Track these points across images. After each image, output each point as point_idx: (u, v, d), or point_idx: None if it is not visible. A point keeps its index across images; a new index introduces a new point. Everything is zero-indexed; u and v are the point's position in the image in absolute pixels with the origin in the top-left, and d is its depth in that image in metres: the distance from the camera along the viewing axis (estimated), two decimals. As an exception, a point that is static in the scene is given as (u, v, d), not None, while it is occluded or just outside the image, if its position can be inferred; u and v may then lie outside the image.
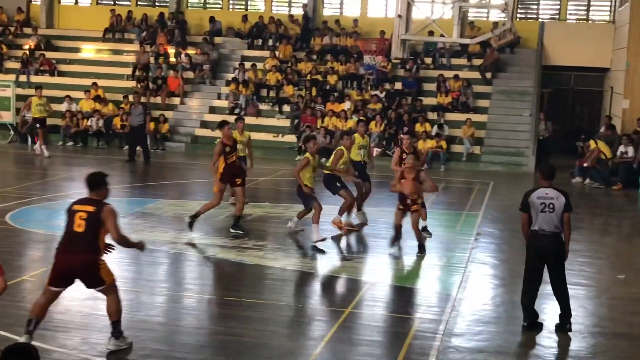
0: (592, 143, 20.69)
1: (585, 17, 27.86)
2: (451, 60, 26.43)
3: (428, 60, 26.60)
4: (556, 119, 25.17)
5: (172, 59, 27.44)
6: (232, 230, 12.40)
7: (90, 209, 7.02)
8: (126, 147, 22.63)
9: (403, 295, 9.88)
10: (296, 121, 24.38)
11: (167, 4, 29.98)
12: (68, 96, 25.21)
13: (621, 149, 20.33)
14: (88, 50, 28.97)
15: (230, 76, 26.61)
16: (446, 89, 24.84)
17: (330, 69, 26.02)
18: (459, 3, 20.38)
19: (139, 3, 30.70)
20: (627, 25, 23.27)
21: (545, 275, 8.43)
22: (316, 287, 10.31)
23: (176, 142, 24.56)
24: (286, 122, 24.71)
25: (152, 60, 27.19)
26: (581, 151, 21.78)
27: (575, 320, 8.39)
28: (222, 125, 12.80)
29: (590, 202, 17.35)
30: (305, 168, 11.79)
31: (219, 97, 26.26)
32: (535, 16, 28.15)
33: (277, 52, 27.06)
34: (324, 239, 11.58)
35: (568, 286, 8.43)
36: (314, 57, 27.02)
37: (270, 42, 27.98)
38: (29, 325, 7.04)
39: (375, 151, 21.12)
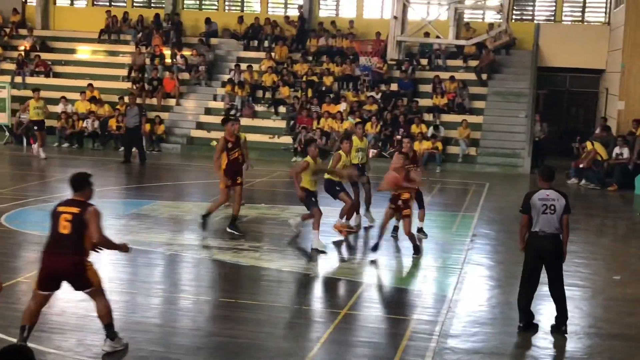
0: (588, 144, 20.74)
1: (580, 18, 27.91)
2: (447, 62, 26.46)
3: (424, 61, 26.63)
4: (552, 120, 25.20)
5: (168, 60, 27.42)
6: (228, 229, 12.41)
7: (75, 210, 6.96)
8: (122, 148, 22.62)
9: (399, 296, 9.89)
10: (292, 122, 24.38)
11: (163, 5, 29.97)
12: (63, 97, 25.18)
13: (616, 150, 20.37)
14: (83, 52, 28.93)
15: (226, 77, 26.60)
16: (442, 90, 24.87)
17: (326, 70, 26.03)
18: (454, 4, 20.40)
19: (134, 4, 30.67)
20: (622, 26, 23.32)
21: (542, 277, 8.43)
22: (312, 288, 10.31)
23: (172, 144, 24.53)
24: (282, 124, 24.71)
25: (147, 61, 27.16)
26: (577, 152, 21.82)
27: (571, 321, 8.40)
28: (225, 121, 12.85)
29: (586, 203, 17.37)
30: (304, 171, 11.71)
31: (214, 99, 26.24)
32: (530, 17, 28.19)
33: (273, 54, 27.06)
34: (324, 248, 11.52)
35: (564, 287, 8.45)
36: (310, 58, 27.02)
37: (266, 44, 27.97)
38: (22, 332, 7.01)
39: (371, 152, 21.12)
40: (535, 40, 26.38)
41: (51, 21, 30.80)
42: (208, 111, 25.81)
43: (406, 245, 12.38)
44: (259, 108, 25.38)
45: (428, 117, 24.12)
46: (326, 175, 12.37)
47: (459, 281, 10.27)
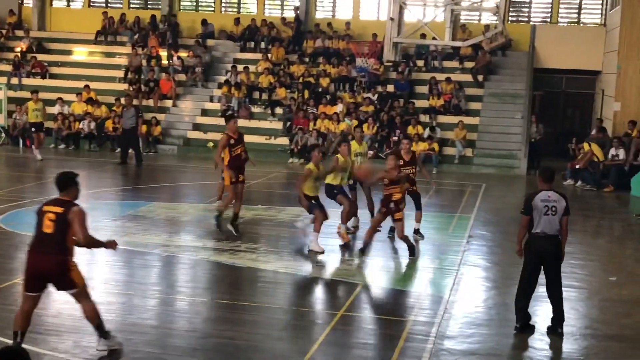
0: (585, 145, 20.77)
1: (576, 20, 27.97)
2: (443, 63, 26.49)
3: (420, 62, 26.66)
4: (548, 121, 25.24)
5: (165, 62, 27.41)
6: (229, 226, 12.45)
7: (59, 209, 6.94)
8: (118, 149, 22.60)
9: (395, 297, 9.89)
10: (288, 124, 24.38)
11: (160, 7, 29.96)
12: (60, 98, 25.13)
13: (612, 151, 20.42)
14: (80, 53, 28.91)
15: (222, 79, 26.60)
16: (438, 91, 24.89)
17: (322, 71, 26.04)
18: (450, 6, 20.46)
19: (131, 5, 30.66)
20: (618, 28, 23.37)
21: (540, 278, 8.46)
22: (309, 289, 10.31)
23: (168, 145, 24.52)
24: (278, 125, 24.72)
25: (144, 62, 27.16)
26: (573, 153, 21.86)
27: (567, 322, 8.42)
28: (228, 118, 12.88)
29: (582, 204, 17.39)
30: (308, 178, 11.63)
31: (211, 100, 26.24)
32: (526, 19, 28.24)
33: (269, 55, 27.07)
34: (322, 252, 11.51)
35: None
36: (307, 59, 27.04)
37: (263, 45, 27.98)
38: (15, 338, 6.99)
39: (368, 154, 21.11)
40: (531, 41, 26.43)
41: (47, 22, 30.78)
42: (204, 112, 25.81)
43: (402, 246, 12.38)
44: (255, 109, 25.38)
45: (424, 118, 24.14)
46: (327, 180, 12.31)
47: (456, 282, 10.28)
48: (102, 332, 7.19)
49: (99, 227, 12.83)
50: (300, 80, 25.80)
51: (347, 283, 10.25)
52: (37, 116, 21.76)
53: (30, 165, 20.94)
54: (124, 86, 26.41)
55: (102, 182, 18.43)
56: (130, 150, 21.43)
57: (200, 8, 30.51)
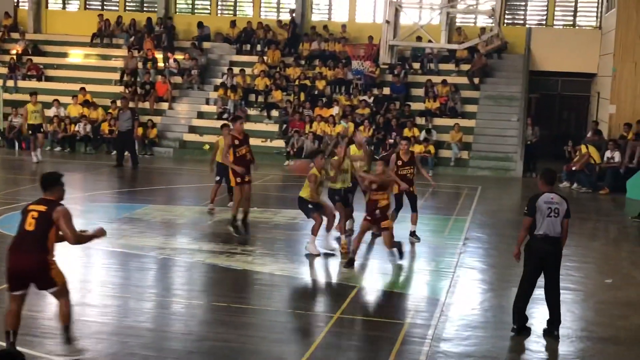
0: (583, 147, 20.81)
1: (572, 22, 28.02)
2: (439, 66, 26.52)
3: (416, 65, 26.68)
4: (543, 124, 25.27)
5: (161, 64, 27.40)
6: (229, 227, 12.61)
7: (42, 208, 6.96)
8: (114, 152, 22.57)
9: (392, 300, 9.89)
10: (284, 126, 24.39)
11: (156, 9, 29.94)
12: (56, 100, 25.05)
13: (607, 154, 20.46)
14: (76, 55, 28.87)
15: (218, 81, 26.59)
16: (434, 94, 24.92)
17: (318, 74, 26.05)
18: (446, 9, 20.47)
19: (127, 8, 30.64)
20: (614, 30, 23.43)
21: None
22: (305, 292, 10.30)
23: (164, 147, 24.50)
24: (274, 127, 24.72)
25: (140, 65, 27.14)
26: (568, 156, 21.89)
27: (563, 324, 8.43)
28: (235, 119, 12.95)
29: (577, 206, 17.41)
30: (313, 183, 11.49)
31: (207, 102, 26.22)
32: (522, 22, 28.29)
33: (265, 57, 27.07)
34: (318, 255, 11.49)
35: (557, 291, 8.49)
36: (303, 62, 27.05)
37: (259, 47, 27.99)
38: (7, 337, 6.99)
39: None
40: (527, 44, 26.49)
41: (43, 25, 30.73)
42: (200, 115, 25.79)
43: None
44: (251, 112, 25.37)
45: (420, 120, 24.16)
46: (329, 184, 12.24)
47: (452, 285, 10.29)
48: (68, 335, 7.14)
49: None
50: (296, 82, 25.81)
51: (344, 285, 10.24)
52: (35, 118, 21.69)
53: (25, 167, 20.90)
54: (119, 89, 26.38)
55: (98, 184, 18.40)
56: (126, 153, 21.41)
57: (196, 11, 30.52)
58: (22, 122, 24.09)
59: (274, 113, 25.14)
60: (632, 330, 8.87)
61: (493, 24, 22.66)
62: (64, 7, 31.37)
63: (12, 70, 27.14)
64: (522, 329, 8.38)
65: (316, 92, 25.56)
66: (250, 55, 27.87)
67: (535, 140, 23.13)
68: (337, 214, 12.02)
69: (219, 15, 30.05)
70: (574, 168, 20.48)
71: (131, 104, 23.77)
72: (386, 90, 25.31)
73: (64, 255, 10.74)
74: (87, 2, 30.91)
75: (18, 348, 7.13)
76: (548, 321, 8.41)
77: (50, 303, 8.54)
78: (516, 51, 26.84)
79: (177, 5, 30.39)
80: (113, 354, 7.44)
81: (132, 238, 12.28)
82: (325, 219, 11.70)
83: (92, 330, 8.10)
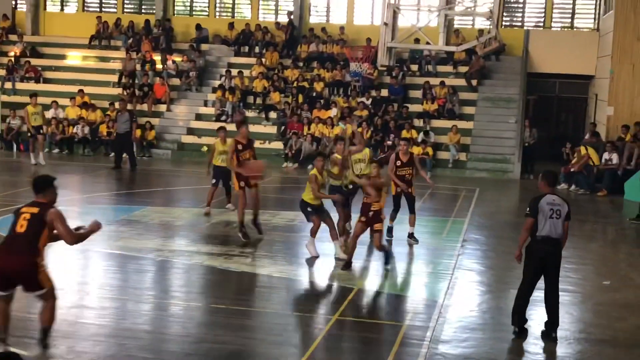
0: (582, 149, 20.83)
1: (569, 24, 28.07)
2: (437, 68, 26.55)
3: (414, 67, 26.71)
4: (541, 126, 25.31)
5: (159, 66, 27.40)
6: (251, 225, 12.67)
7: (34, 210, 6.97)
8: (112, 154, 22.57)
9: (390, 302, 9.89)
10: (283, 128, 24.40)
11: (154, 11, 29.96)
12: (55, 102, 25.00)
13: (605, 155, 20.49)
14: (74, 57, 28.87)
15: (216, 83, 26.61)
16: (432, 96, 24.95)
17: (316, 76, 26.07)
18: (444, 11, 20.50)
19: (125, 10, 30.65)
20: (611, 32, 23.47)
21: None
22: (303, 294, 10.30)
23: (162, 149, 24.50)
24: (273, 129, 24.72)
25: (138, 67, 27.14)
26: (566, 158, 21.91)
27: (561, 326, 8.44)
28: (240, 124, 12.95)
29: (576, 208, 17.33)
30: (313, 184, 11.39)
31: (205, 104, 26.24)
32: (520, 24, 28.33)
33: (263, 59, 27.09)
34: (316, 257, 11.45)
35: (554, 292, 8.49)
36: (301, 64, 27.07)
37: (257, 49, 28.01)
38: None
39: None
40: (524, 46, 26.52)
41: (41, 27, 30.74)
42: (199, 117, 25.80)
43: (398, 250, 12.42)
44: (249, 114, 25.38)
45: (418, 122, 24.18)
46: (332, 182, 12.20)
47: (450, 287, 10.29)
48: (45, 339, 7.09)
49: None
50: (295, 84, 25.82)
51: (342, 287, 10.25)
52: (35, 119, 21.64)
53: (24, 169, 20.88)
54: (118, 91, 26.39)
55: (96, 186, 18.39)
56: (124, 155, 21.41)
57: (194, 13, 30.53)
58: (19, 124, 24.14)
59: (272, 115, 25.15)
60: (630, 332, 8.87)
61: (491, 26, 22.68)
62: (62, 9, 31.37)
63: (10, 72, 27.14)
64: (521, 331, 8.38)
65: (314, 94, 25.58)
66: (248, 57, 27.89)
67: (533, 142, 23.16)
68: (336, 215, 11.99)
69: (217, 17, 30.07)
70: (572, 170, 20.50)
71: (129, 106, 23.76)
72: (384, 92, 25.34)
73: (62, 257, 10.78)
74: (85, 4, 30.91)
75: (16, 350, 7.14)
76: (546, 323, 8.42)
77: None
78: (514, 53, 26.88)
79: (175, 7, 30.40)
80: (111, 356, 7.43)
81: (130, 240, 12.28)
82: (325, 223, 11.62)
83: (90, 332, 8.10)
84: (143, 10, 30.68)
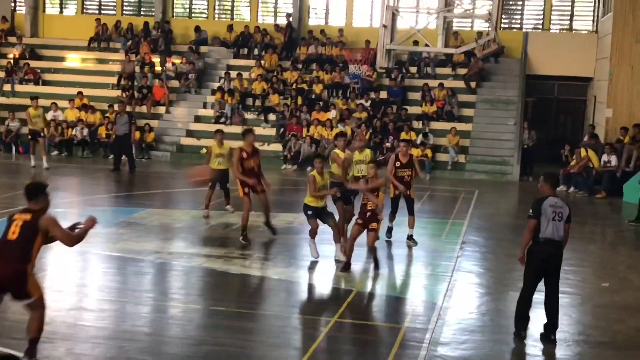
0: (582, 151, 20.83)
1: (568, 27, 28.10)
2: (436, 70, 26.57)
3: (413, 69, 26.73)
4: (540, 128, 25.33)
5: (158, 68, 27.41)
6: (268, 227, 12.85)
7: (27, 217, 6.89)
8: (111, 156, 22.57)
9: (389, 304, 9.89)
10: (282, 130, 24.41)
11: (153, 14, 29.97)
12: (54, 103, 24.95)
13: (604, 157, 20.50)
14: (73, 60, 28.88)
15: (215, 85, 26.62)
16: (431, 98, 24.97)
17: (315, 78, 26.09)
18: (443, 13, 20.54)
19: (124, 12, 30.66)
20: (610, 35, 23.50)
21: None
22: (302, 296, 10.31)
23: (161, 151, 24.51)
24: (272, 131, 24.74)
25: (137, 69, 27.15)
26: (565, 159, 21.93)
27: (560, 328, 8.44)
28: (246, 133, 12.95)
29: (574, 210, 17.35)
30: (312, 185, 11.31)
31: (204, 106, 26.25)
32: (519, 26, 28.35)
33: (262, 61, 27.11)
34: (316, 257, 11.39)
35: (553, 294, 8.50)
36: (300, 66, 27.09)
37: (256, 52, 28.03)
38: None
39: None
40: (523, 48, 26.55)
41: (40, 29, 30.75)
42: (198, 119, 25.81)
43: (397, 252, 12.44)
44: (248, 116, 25.40)
45: (417, 124, 24.20)
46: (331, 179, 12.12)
47: (449, 289, 10.29)
48: (32, 349, 6.97)
49: (92, 234, 12.81)
50: (294, 86, 25.84)
51: (341, 289, 10.25)
52: (37, 123, 21.59)
53: (23, 171, 20.88)
54: (117, 93, 26.40)
55: (95, 188, 18.39)
56: (123, 157, 21.41)
57: (193, 15, 30.54)
58: (18, 126, 24.16)
59: (271, 117, 25.17)
60: (629, 334, 8.88)
61: (490, 28, 22.74)
62: (61, 12, 31.38)
63: (10, 74, 27.15)
64: (524, 335, 8.34)
65: (313, 96, 25.59)
66: (247, 59, 27.91)
67: (532, 144, 23.18)
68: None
69: (216, 19, 30.08)
70: (572, 171, 20.50)
71: (128, 108, 23.79)
72: (383, 94, 25.36)
73: (61, 259, 10.79)
74: (84, 6, 30.93)
75: (14, 353, 7.15)
76: (545, 325, 8.41)
77: (47, 307, 8.54)
78: (513, 55, 26.91)
79: (175, 10, 30.41)
80: (110, 359, 7.43)
81: (130, 242, 12.28)
82: (328, 225, 11.58)
83: (89, 334, 8.09)
84: (142, 13, 30.69)
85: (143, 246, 12.03)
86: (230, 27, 28.68)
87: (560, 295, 8.54)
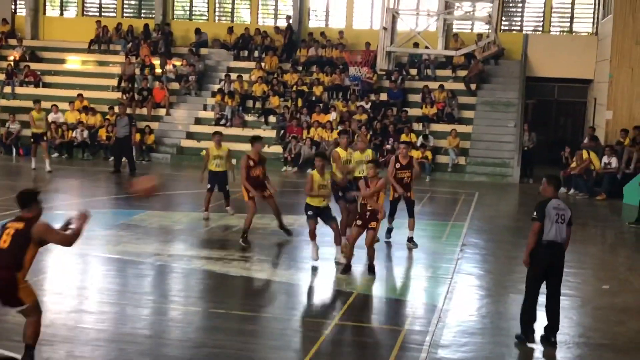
0: (584, 153, 20.82)
1: (568, 29, 28.11)
2: (436, 72, 26.58)
3: (413, 71, 26.74)
4: (540, 130, 25.33)
5: (158, 71, 27.42)
6: (283, 230, 12.87)
7: (19, 225, 6.85)
8: (111, 158, 22.57)
9: (389, 306, 9.89)
10: (282, 132, 24.42)
11: (153, 16, 29.99)
12: (55, 105, 24.93)
13: (604, 159, 20.50)
14: (73, 62, 28.90)
15: (216, 87, 26.63)
16: (431, 100, 24.97)
17: (316, 80, 26.10)
18: (443, 15, 20.55)
19: (124, 14, 30.68)
20: (610, 37, 23.50)
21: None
22: (302, 298, 10.31)
23: (162, 153, 24.52)
24: (272, 133, 24.74)
25: (137, 71, 27.16)
26: (565, 162, 21.93)
27: (560, 330, 8.43)
28: (254, 140, 13.01)
29: (575, 212, 17.38)
30: (311, 184, 11.26)
31: (204, 108, 26.26)
32: (519, 28, 28.36)
33: (262, 64, 27.12)
34: (315, 259, 11.37)
35: (553, 296, 8.49)
36: (300, 68, 27.10)
37: (256, 54, 28.04)
38: None
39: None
40: (523, 50, 26.56)
41: (41, 31, 30.77)
42: (198, 121, 25.82)
43: (397, 254, 12.44)
44: (249, 118, 25.41)
45: (417, 126, 24.20)
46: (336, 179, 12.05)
47: (449, 291, 10.29)
48: (29, 355, 6.95)
49: (92, 236, 12.83)
50: (294, 88, 25.85)
51: (341, 292, 10.24)
52: (40, 126, 21.57)
53: (23, 174, 20.89)
54: (117, 95, 26.41)
55: (96, 190, 18.39)
56: (123, 159, 21.41)
57: (193, 17, 30.56)
58: (19, 128, 24.18)
59: (272, 119, 25.18)
60: (629, 336, 8.87)
61: (490, 31, 22.75)
62: (61, 14, 31.41)
63: (10, 76, 27.16)
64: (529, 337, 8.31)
65: (313, 98, 25.60)
66: (247, 61, 27.93)
67: (532, 146, 23.18)
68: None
69: (216, 21, 30.10)
70: (573, 172, 20.49)
71: (129, 110, 23.80)
72: (383, 96, 25.36)
73: (62, 261, 10.79)
74: (85, 9, 30.96)
75: (14, 356, 7.15)
76: (546, 327, 8.40)
77: (45, 310, 8.53)
78: (513, 57, 26.91)
79: (175, 12, 30.43)
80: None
81: (129, 244, 12.27)
82: (330, 226, 11.55)
83: (90, 337, 8.09)
84: (142, 15, 30.72)
85: (143, 248, 12.03)
86: (230, 29, 28.70)
87: (560, 297, 8.53)
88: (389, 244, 12.85)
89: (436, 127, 24.36)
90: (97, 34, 29.05)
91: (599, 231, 16.27)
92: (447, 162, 23.12)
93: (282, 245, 12.82)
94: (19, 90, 26.95)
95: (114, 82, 27.25)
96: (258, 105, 25.75)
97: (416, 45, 25.01)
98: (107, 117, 24.56)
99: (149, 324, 8.77)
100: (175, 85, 26.89)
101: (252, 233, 13.12)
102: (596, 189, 20.05)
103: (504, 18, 27.99)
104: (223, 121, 24.91)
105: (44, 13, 30.95)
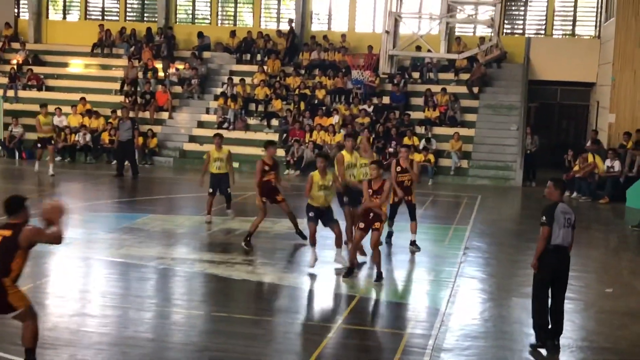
0: (589, 156, 20.78)
1: (571, 32, 28.10)
2: (438, 75, 26.58)
3: (415, 74, 26.75)
4: (543, 133, 25.31)
5: (161, 74, 27.46)
6: (298, 234, 12.90)
7: (7, 233, 6.83)
8: (114, 161, 22.59)
9: (392, 310, 9.88)
10: (284, 135, 24.43)
11: (156, 19, 30.04)
12: (58, 108, 24.94)
13: (607, 163, 20.48)
14: (76, 65, 28.94)
15: (218, 91, 26.65)
16: (434, 103, 24.97)
17: (318, 83, 26.11)
18: (445, 19, 20.51)
19: (127, 18, 30.73)
20: (613, 40, 23.49)
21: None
22: (305, 302, 10.30)
23: (164, 157, 24.53)
24: (274, 136, 24.71)
25: (140, 75, 27.20)
26: (568, 165, 21.91)
27: (563, 334, 8.42)
28: (267, 145, 13.06)
29: (578, 215, 17.35)
30: (312, 185, 11.22)
31: (207, 112, 26.27)
32: (521, 31, 28.36)
33: (265, 67, 27.15)
34: (315, 260, 11.40)
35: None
36: (302, 71, 27.12)
37: (259, 57, 28.07)
38: None
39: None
40: (526, 53, 26.55)
41: (44, 35, 30.81)
42: (201, 124, 25.83)
43: (399, 258, 12.43)
44: (251, 121, 25.43)
45: (420, 130, 24.21)
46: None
47: (452, 295, 10.28)
48: (30, 359, 6.94)
49: (95, 240, 12.87)
50: (296, 92, 25.86)
51: (344, 295, 10.24)
52: (47, 130, 21.55)
53: (26, 177, 20.91)
54: (120, 98, 26.43)
55: (98, 194, 18.41)
56: (126, 162, 21.43)
57: (196, 20, 30.60)
58: (22, 132, 24.23)
59: (274, 122, 25.19)
60: (632, 340, 8.86)
61: (492, 34, 22.68)
62: (64, 17, 31.46)
63: (13, 80, 27.20)
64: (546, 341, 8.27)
65: (316, 102, 25.61)
66: (250, 64, 27.95)
67: (535, 150, 23.15)
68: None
69: (219, 25, 30.14)
70: (577, 175, 20.46)
71: (131, 114, 23.82)
72: (386, 100, 25.36)
73: (64, 265, 10.79)
74: (88, 12, 31.00)
75: (16, 359, 7.15)
76: (549, 331, 8.39)
77: (48, 313, 8.56)
78: (515, 60, 26.91)
79: (177, 15, 30.48)
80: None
81: (132, 248, 12.28)
82: (332, 230, 11.53)
83: (92, 340, 8.09)
84: (145, 18, 30.77)
85: (146, 252, 12.04)
86: (233, 33, 28.73)
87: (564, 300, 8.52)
88: (389, 244, 12.86)
89: (439, 130, 24.35)
90: (100, 38, 29.10)
91: (602, 235, 16.24)
92: (450, 166, 23.10)
93: (285, 248, 12.82)
94: (22, 93, 26.98)
95: (116, 86, 27.28)
96: (260, 108, 25.76)
97: (419, 48, 24.95)
98: (110, 120, 24.58)
99: (152, 327, 8.77)
100: (177, 89, 26.91)
101: (255, 237, 13.12)
102: (599, 192, 20.03)
103: (506, 21, 27.99)
104: (226, 124, 24.92)
105: (47, 17, 31.00)
